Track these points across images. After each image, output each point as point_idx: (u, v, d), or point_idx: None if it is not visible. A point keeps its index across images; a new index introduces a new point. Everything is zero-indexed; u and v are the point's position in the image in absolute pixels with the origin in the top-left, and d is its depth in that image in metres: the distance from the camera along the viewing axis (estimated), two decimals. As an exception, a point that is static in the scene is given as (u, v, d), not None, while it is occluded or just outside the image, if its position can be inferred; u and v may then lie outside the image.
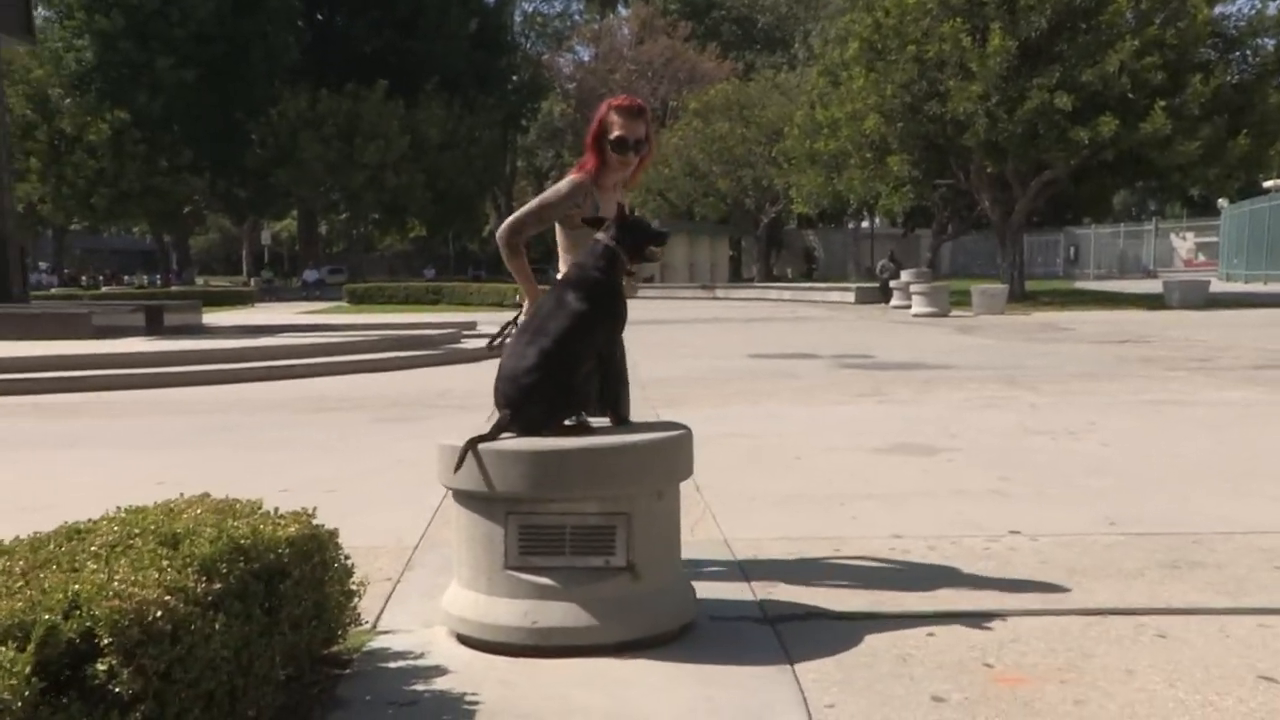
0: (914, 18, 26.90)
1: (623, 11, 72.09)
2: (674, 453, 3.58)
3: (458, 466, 3.40)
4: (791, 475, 6.32)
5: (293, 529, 2.87)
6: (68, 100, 38.40)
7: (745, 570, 4.35)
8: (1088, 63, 24.88)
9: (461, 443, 3.41)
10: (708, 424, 8.26)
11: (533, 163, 73.33)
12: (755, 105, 47.24)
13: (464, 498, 3.51)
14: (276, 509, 3.11)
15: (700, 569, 4.33)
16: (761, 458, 6.90)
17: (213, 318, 19.40)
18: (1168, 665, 3.21)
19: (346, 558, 3.29)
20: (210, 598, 2.37)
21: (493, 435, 3.47)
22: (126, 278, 54.32)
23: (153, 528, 2.62)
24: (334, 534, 3.20)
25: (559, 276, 3.92)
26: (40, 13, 41.28)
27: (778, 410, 9.14)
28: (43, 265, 50.03)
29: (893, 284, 30.10)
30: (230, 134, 41.50)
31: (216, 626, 2.33)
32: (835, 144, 30.21)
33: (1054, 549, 4.54)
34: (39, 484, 6.10)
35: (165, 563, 2.37)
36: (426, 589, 4.07)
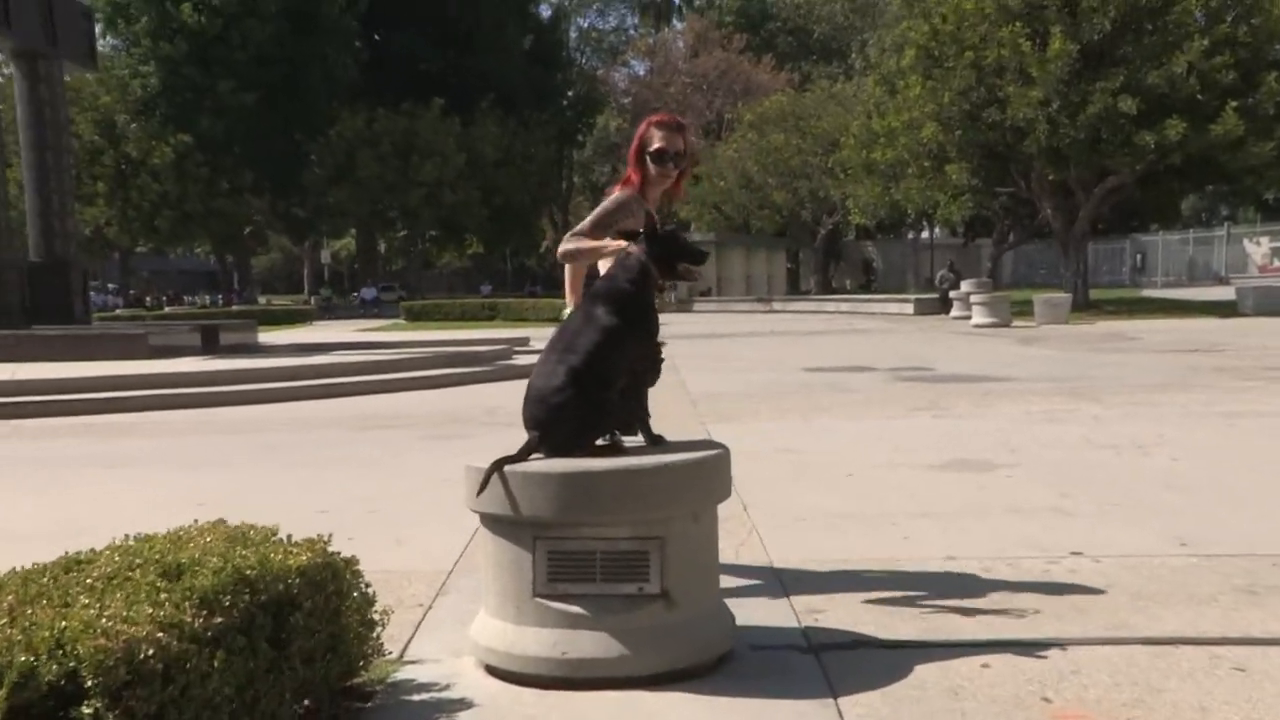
0: (971, 23, 26.48)
1: (678, 25, 72.12)
2: (711, 473, 3.41)
3: (481, 489, 3.27)
4: (842, 493, 6.11)
5: (304, 557, 2.75)
6: (133, 125, 39.27)
7: (790, 594, 4.16)
8: (1153, 64, 24.28)
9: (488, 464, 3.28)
10: (759, 439, 8.09)
11: (588, 178, 73.52)
12: (811, 116, 46.87)
13: (490, 522, 3.37)
14: (290, 536, 2.99)
15: (742, 593, 4.15)
16: (812, 474, 6.69)
17: (269, 336, 19.58)
18: (1246, 702, 2.97)
19: (367, 586, 3.16)
20: (210, 633, 2.24)
21: (520, 457, 3.33)
22: (189, 298, 55.29)
23: (156, 558, 2.51)
24: (351, 561, 3.07)
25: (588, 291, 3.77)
26: (108, 41, 42.38)
27: (831, 425, 8.91)
28: (110, 287, 51.14)
29: (952, 294, 29.62)
30: (289, 154, 42.14)
31: (216, 664, 2.21)
32: (892, 153, 29.84)
33: (1119, 572, 4.29)
34: (82, 505, 6.09)
35: (163, 596, 2.26)
36: (460, 615, 3.93)
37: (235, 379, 11.48)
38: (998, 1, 26.00)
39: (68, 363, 12.20)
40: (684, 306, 42.67)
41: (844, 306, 37.52)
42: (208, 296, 51.99)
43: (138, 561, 2.48)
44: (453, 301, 37.95)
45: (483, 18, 48.26)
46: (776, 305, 41.58)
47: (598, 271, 3.99)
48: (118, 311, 37.33)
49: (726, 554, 4.80)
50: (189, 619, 2.20)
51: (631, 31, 74.23)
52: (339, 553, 3.03)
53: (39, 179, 15.96)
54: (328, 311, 42.38)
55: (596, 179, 74.20)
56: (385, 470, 7.14)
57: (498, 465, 3.27)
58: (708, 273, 50.11)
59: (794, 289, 56.44)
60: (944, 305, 30.83)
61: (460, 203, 43.20)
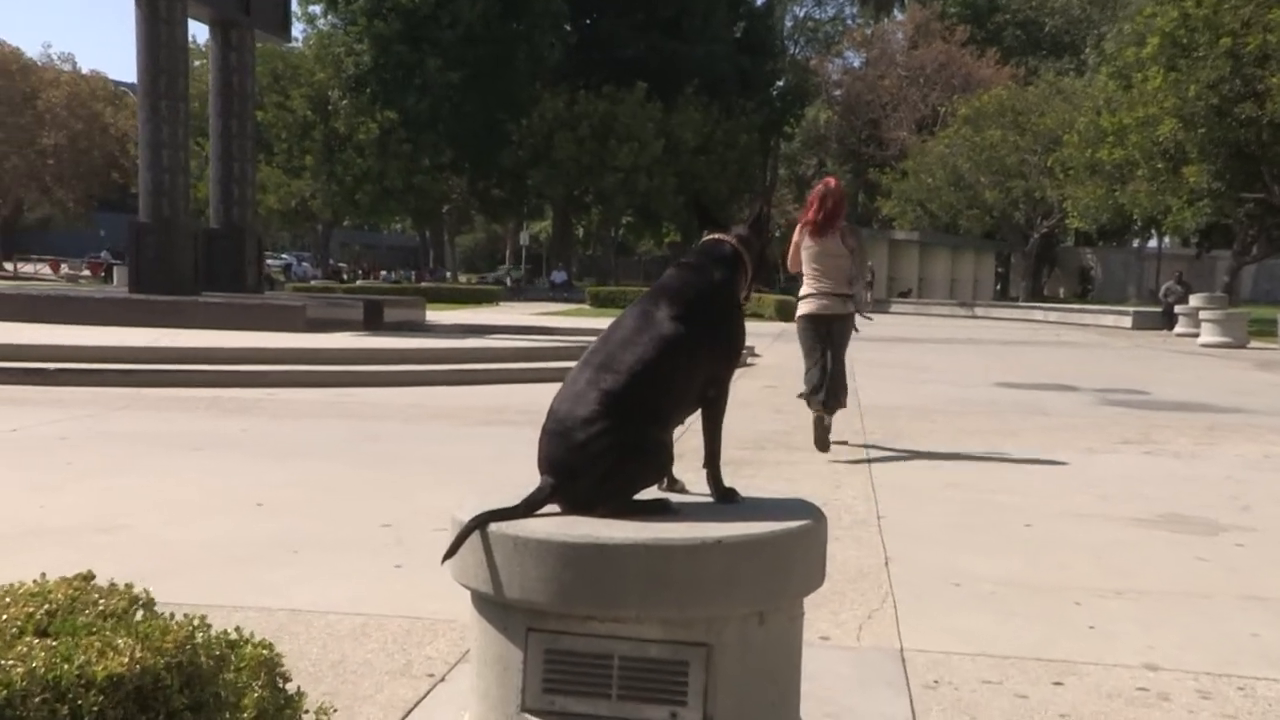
0: (1231, 6, 23.64)
1: (898, 15, 69.43)
2: (787, 556, 2.36)
3: (450, 551, 2.33)
4: (1014, 551, 4.89)
5: (125, 660, 1.85)
6: (344, 101, 40.41)
7: (916, 711, 3.05)
8: None
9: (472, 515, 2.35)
10: (925, 469, 6.89)
11: (794, 170, 71.89)
12: (1032, 111, 43.84)
13: (477, 600, 2.44)
14: (151, 605, 2.12)
15: (849, 692, 3.08)
16: (982, 521, 5.46)
17: (439, 315, 19.32)
18: None
19: (285, 682, 2.25)
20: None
21: (521, 511, 2.37)
22: (385, 273, 56.78)
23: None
24: (251, 652, 2.16)
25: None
26: (329, 20, 43.86)
27: (1016, 456, 7.56)
28: (303, 259, 52.92)
29: (1178, 309, 26.89)
30: (490, 134, 42.49)
31: None
32: (1121, 153, 27.27)
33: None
34: (129, 497, 5.50)
35: None
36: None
37: (373, 359, 11.01)
38: (1267, -20, 23.24)
39: (219, 331, 12.05)
40: (880, 308, 40.80)
41: (1053, 316, 34.86)
42: (401, 272, 53.28)
43: None
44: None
45: (692, 3, 47.45)
46: (979, 311, 39.14)
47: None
48: (312, 282, 38.52)
49: (846, 629, 3.73)
50: None
51: (849, 22, 71.92)
52: (220, 636, 2.13)
53: (223, 146, 16.11)
54: (517, 293, 42.61)
55: (803, 171, 72.45)
56: (480, 476, 6.32)
57: (481, 521, 2.33)
58: (909, 273, 47.90)
59: (1002, 295, 53.30)
60: (1167, 321, 28.03)
61: (655, 189, 42.54)
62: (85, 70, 54.25)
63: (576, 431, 2.41)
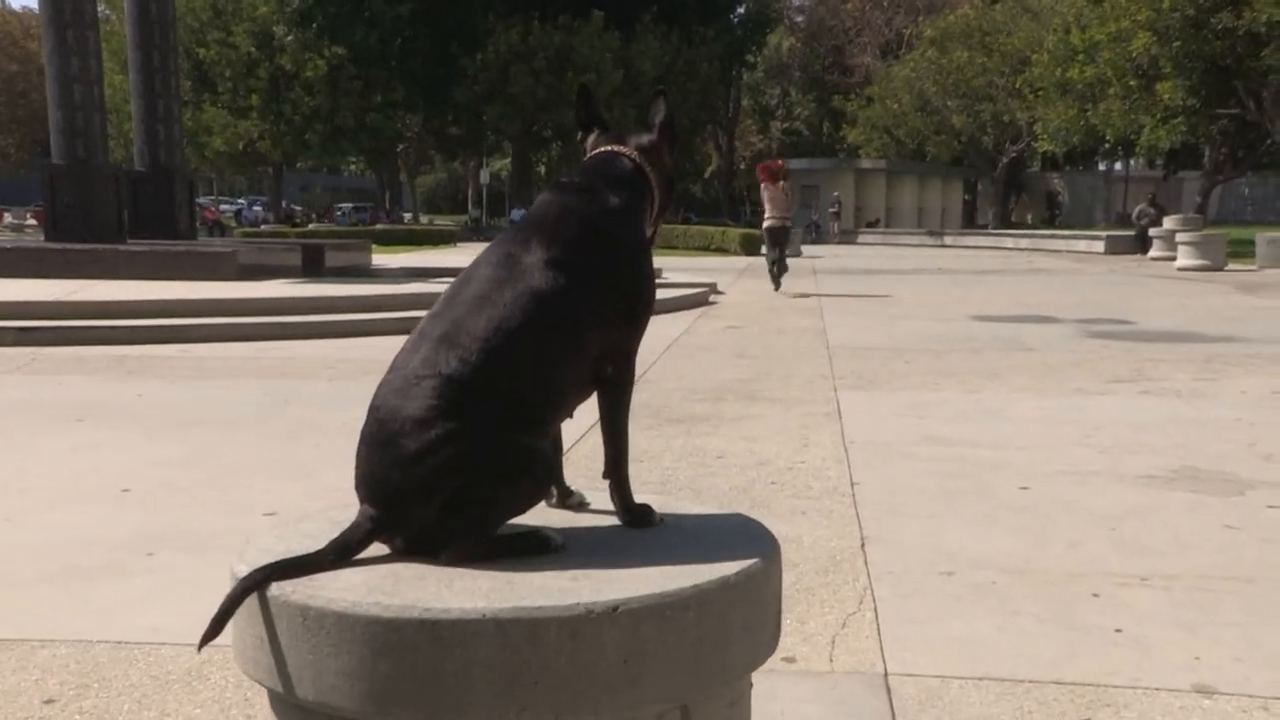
0: (1210, -92, 22.73)
1: (861, -64, 67.69)
2: (720, 620, 1.58)
3: (212, 630, 1.53)
4: (1012, 523, 4.15)
5: None
6: (290, 37, 38.67)
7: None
8: None
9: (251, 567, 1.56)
10: (902, 419, 6.15)
11: (758, 100, 70.46)
12: (1000, 31, 42.78)
13: (272, 697, 1.65)
14: None
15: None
16: (969, 485, 4.72)
17: (389, 259, 18.32)
18: None
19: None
20: None
21: (326, 561, 1.58)
22: (338, 213, 55.13)
23: None
24: None
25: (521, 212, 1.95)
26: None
27: (1000, 401, 6.83)
28: (253, 203, 50.80)
29: (1152, 232, 26.27)
30: (444, 69, 40.94)
31: None
32: (1092, 70, 26.43)
33: None
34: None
35: None
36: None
37: (304, 308, 10.11)
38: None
39: (141, 282, 11.07)
40: (847, 238, 39.99)
41: (1024, 243, 34.21)
42: (354, 214, 51.78)
43: None
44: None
45: (649, -72, 45.76)
46: (948, 240, 38.46)
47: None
48: (262, 227, 37.07)
49: (816, 645, 2.99)
50: None
51: (811, -57, 70.10)
52: None
53: (144, 82, 14.90)
54: (476, 234, 41.36)
55: (766, 101, 71.01)
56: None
57: (259, 580, 1.53)
58: (875, 203, 47.05)
59: (969, 223, 52.58)
60: (1141, 244, 27.43)
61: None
62: (15, 6, 51.94)
63: (405, 438, 1.61)
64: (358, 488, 1.68)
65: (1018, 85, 37.34)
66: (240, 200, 55.76)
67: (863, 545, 3.85)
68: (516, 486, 1.65)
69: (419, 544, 1.62)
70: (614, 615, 1.45)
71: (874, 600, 3.33)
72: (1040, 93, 31.94)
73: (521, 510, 1.69)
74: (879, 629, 3.10)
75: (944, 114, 45.22)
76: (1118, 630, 3.09)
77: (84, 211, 13.41)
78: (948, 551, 3.80)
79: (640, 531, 1.81)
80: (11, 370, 7.77)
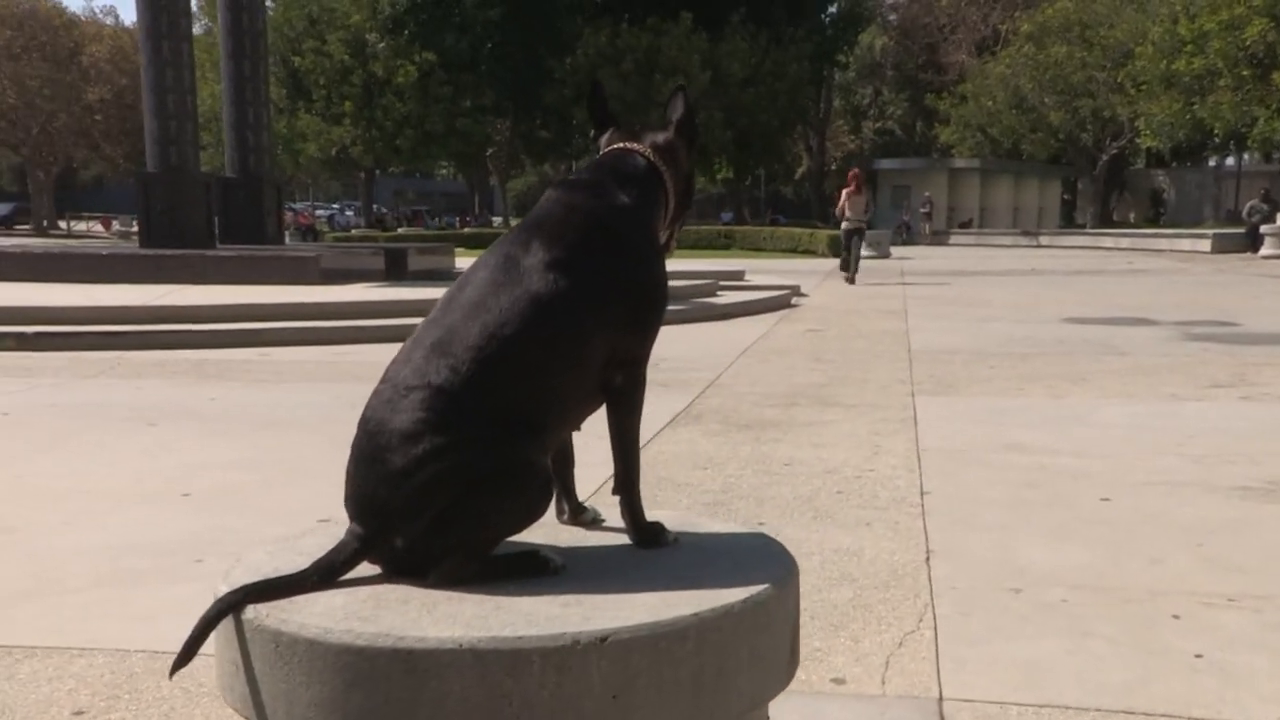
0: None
1: (957, -68, 66.36)
2: (724, 652, 1.47)
3: (179, 661, 1.46)
4: (1089, 536, 3.92)
5: None
6: (382, 44, 39.34)
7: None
8: None
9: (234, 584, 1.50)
10: (979, 426, 5.91)
11: (849, 100, 69.49)
12: (1101, 24, 41.39)
13: (245, 720, 1.57)
14: None
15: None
16: (1046, 495, 4.49)
17: (473, 261, 18.26)
18: None
19: None
20: None
21: (309, 583, 1.51)
22: (432, 219, 55.95)
23: None
24: None
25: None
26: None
27: (1087, 407, 6.54)
28: (346, 207, 51.74)
29: (1264, 229, 25.17)
30: (533, 73, 41.21)
31: None
32: (1201, 61, 25.41)
33: None
34: (38, 489, 4.71)
35: None
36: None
37: (380, 312, 10.17)
38: None
39: (227, 287, 11.28)
40: (939, 239, 39.21)
41: (1124, 243, 33.11)
42: (444, 219, 52.38)
43: None
44: (688, 228, 36.28)
45: (738, -73, 45.44)
46: (1045, 240, 37.45)
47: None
48: (352, 231, 37.70)
49: (869, 665, 2.83)
50: None
51: (906, -60, 68.93)
52: None
53: (236, 90, 15.29)
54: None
55: (858, 101, 70.03)
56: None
57: (236, 602, 1.46)
58: (969, 203, 46.03)
59: (1068, 222, 51.12)
60: (1252, 242, 26.30)
61: (703, 124, 41.02)
62: (128, 23, 53.87)
63: (391, 453, 1.52)
64: (346, 505, 1.60)
65: (1119, 79, 36.15)
66: (334, 205, 56.93)
67: (927, 559, 3.68)
68: (510, 503, 1.55)
69: (408, 564, 1.53)
70: (602, 646, 1.35)
71: (934, 618, 3.16)
72: (1144, 86, 30.88)
73: (518, 529, 1.59)
74: (937, 649, 2.93)
75: (1040, 111, 43.99)
76: (1198, 655, 2.87)
77: (175, 218, 13.76)
78: (1017, 567, 3.60)
79: (651, 552, 1.70)
80: (96, 374, 7.95)
